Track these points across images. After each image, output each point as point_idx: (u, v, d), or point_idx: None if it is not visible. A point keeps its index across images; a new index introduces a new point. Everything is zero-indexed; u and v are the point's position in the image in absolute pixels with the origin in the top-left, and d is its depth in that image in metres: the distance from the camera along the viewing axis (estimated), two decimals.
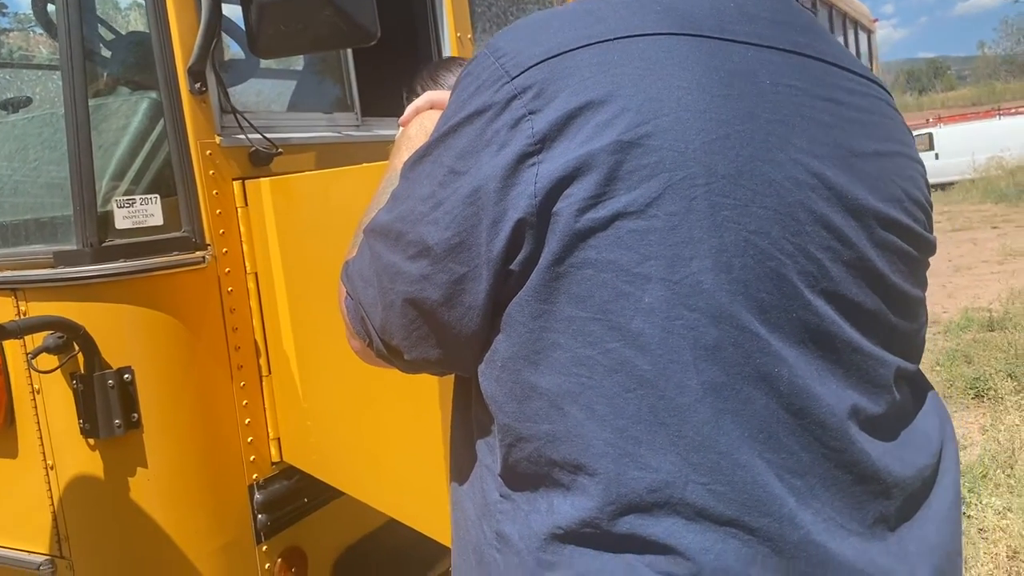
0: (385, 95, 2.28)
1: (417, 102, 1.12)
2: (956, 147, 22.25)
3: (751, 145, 0.75)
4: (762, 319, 0.75)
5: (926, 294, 0.93)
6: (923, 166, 0.93)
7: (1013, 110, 25.15)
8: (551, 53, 0.77)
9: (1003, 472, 3.57)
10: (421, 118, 1.09)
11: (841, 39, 8.52)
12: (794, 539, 0.74)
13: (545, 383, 0.77)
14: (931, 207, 0.92)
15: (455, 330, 0.83)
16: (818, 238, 0.77)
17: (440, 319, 0.83)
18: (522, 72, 0.77)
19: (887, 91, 0.94)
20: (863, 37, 9.69)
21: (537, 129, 0.75)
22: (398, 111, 2.41)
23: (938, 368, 5.67)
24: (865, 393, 0.81)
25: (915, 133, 24.32)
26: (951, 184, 20.34)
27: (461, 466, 0.94)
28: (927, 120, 27.17)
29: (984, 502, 3.20)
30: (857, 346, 0.80)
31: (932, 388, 0.96)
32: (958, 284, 9.31)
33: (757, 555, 0.74)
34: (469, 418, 0.92)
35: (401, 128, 1.12)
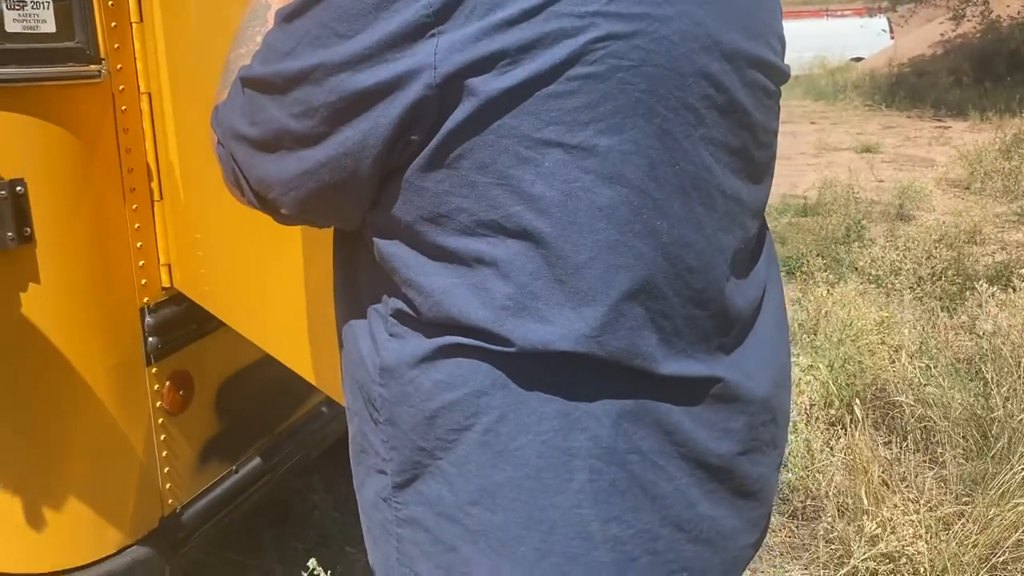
0: None
1: None
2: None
3: (643, 3, 0.78)
4: (650, 175, 0.81)
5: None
6: None
7: (839, 12, 26.44)
8: None
9: (808, 336, 4.03)
10: None
11: None
12: (656, 372, 0.85)
13: (453, 244, 0.82)
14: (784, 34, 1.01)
15: (340, 190, 0.85)
16: (697, 88, 0.83)
17: (324, 178, 0.85)
18: None
19: None
20: None
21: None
22: None
23: None
24: (730, 233, 0.91)
25: None
26: None
27: (347, 309, 1.00)
28: None
29: (793, 361, 3.62)
30: (724, 189, 0.89)
31: (767, 225, 1.09)
32: (779, 173, 9.85)
33: (629, 392, 0.85)
34: (354, 264, 0.96)
35: None
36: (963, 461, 3.07)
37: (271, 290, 1.65)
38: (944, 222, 5.57)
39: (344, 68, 0.79)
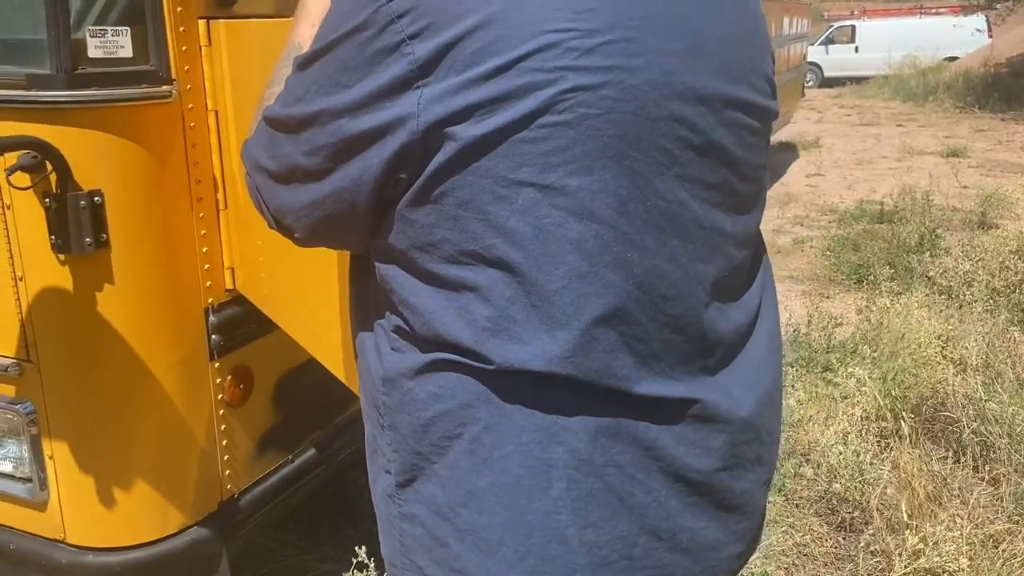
0: None
1: None
2: (876, 42, 22.70)
3: (612, 56, 0.85)
4: (619, 211, 0.88)
5: (767, 171, 1.08)
6: (767, 36, 1.07)
7: (934, 10, 25.56)
8: None
9: (870, 348, 4.00)
10: None
11: None
12: (632, 392, 0.92)
13: (440, 270, 0.91)
14: (774, 73, 1.07)
15: (342, 219, 0.96)
16: (669, 131, 0.89)
17: (328, 209, 0.96)
18: None
19: None
20: None
21: (418, 56, 0.84)
22: None
23: (828, 254, 6.10)
24: (710, 262, 0.97)
25: (839, 25, 24.64)
26: (867, 78, 20.88)
27: (359, 324, 1.10)
28: (852, 12, 27.44)
29: (848, 371, 3.61)
30: (702, 222, 0.95)
31: (765, 248, 1.14)
32: (858, 177, 9.82)
33: (607, 410, 0.93)
34: (365, 283, 1.06)
35: None
36: (1020, 480, 3.03)
37: (318, 296, 1.77)
38: (1023, 232, 5.40)
39: (344, 114, 0.90)
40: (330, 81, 0.91)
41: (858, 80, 21.02)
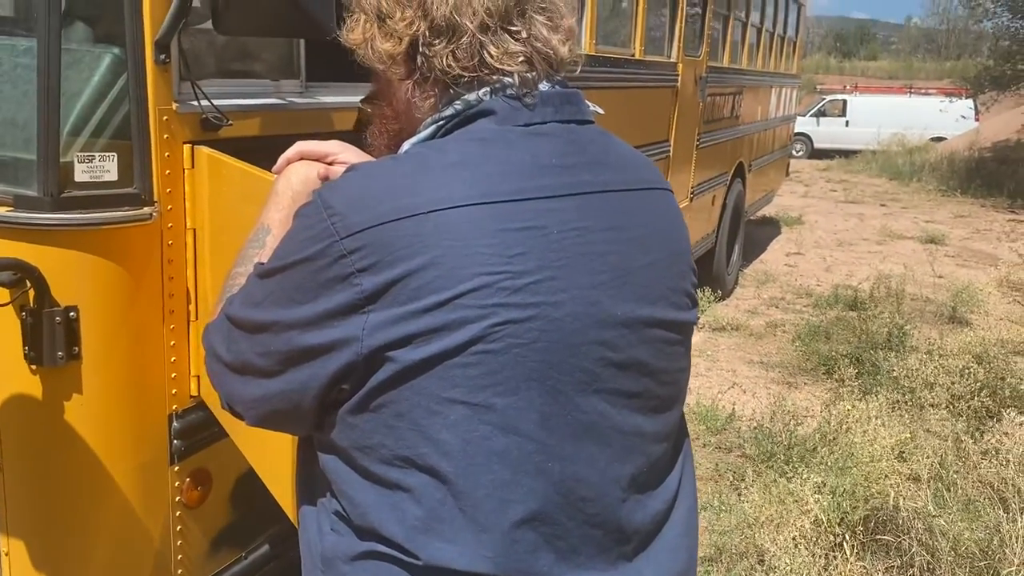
0: (333, 54, 2.42)
1: (288, 153, 1.32)
2: (866, 118, 23.21)
3: (539, 294, 0.98)
4: (541, 426, 1.01)
5: (691, 354, 1.20)
6: (689, 253, 1.19)
7: (923, 90, 26.14)
8: (375, 222, 0.97)
9: (828, 450, 4.09)
10: (288, 173, 1.29)
11: (771, 10, 8.80)
12: None
13: (377, 469, 1.01)
14: (695, 286, 1.19)
15: (288, 414, 1.07)
16: (591, 353, 1.02)
17: (276, 405, 1.07)
18: (349, 235, 0.97)
19: (667, 188, 1.19)
20: (792, 9, 10.01)
21: (365, 288, 0.96)
22: (345, 75, 2.55)
23: (797, 343, 6.21)
24: (628, 462, 1.08)
25: (831, 98, 25.17)
26: (856, 153, 21.31)
27: (303, 495, 1.20)
28: (844, 87, 28.04)
29: (805, 476, 3.69)
30: (621, 428, 1.07)
31: (687, 432, 1.25)
32: (837, 259, 9.99)
33: None
34: (312, 461, 1.15)
35: (275, 176, 1.31)
36: None
37: None
38: (984, 339, 5.53)
39: (295, 327, 1.01)
40: (285, 296, 1.02)
41: (847, 154, 21.44)
